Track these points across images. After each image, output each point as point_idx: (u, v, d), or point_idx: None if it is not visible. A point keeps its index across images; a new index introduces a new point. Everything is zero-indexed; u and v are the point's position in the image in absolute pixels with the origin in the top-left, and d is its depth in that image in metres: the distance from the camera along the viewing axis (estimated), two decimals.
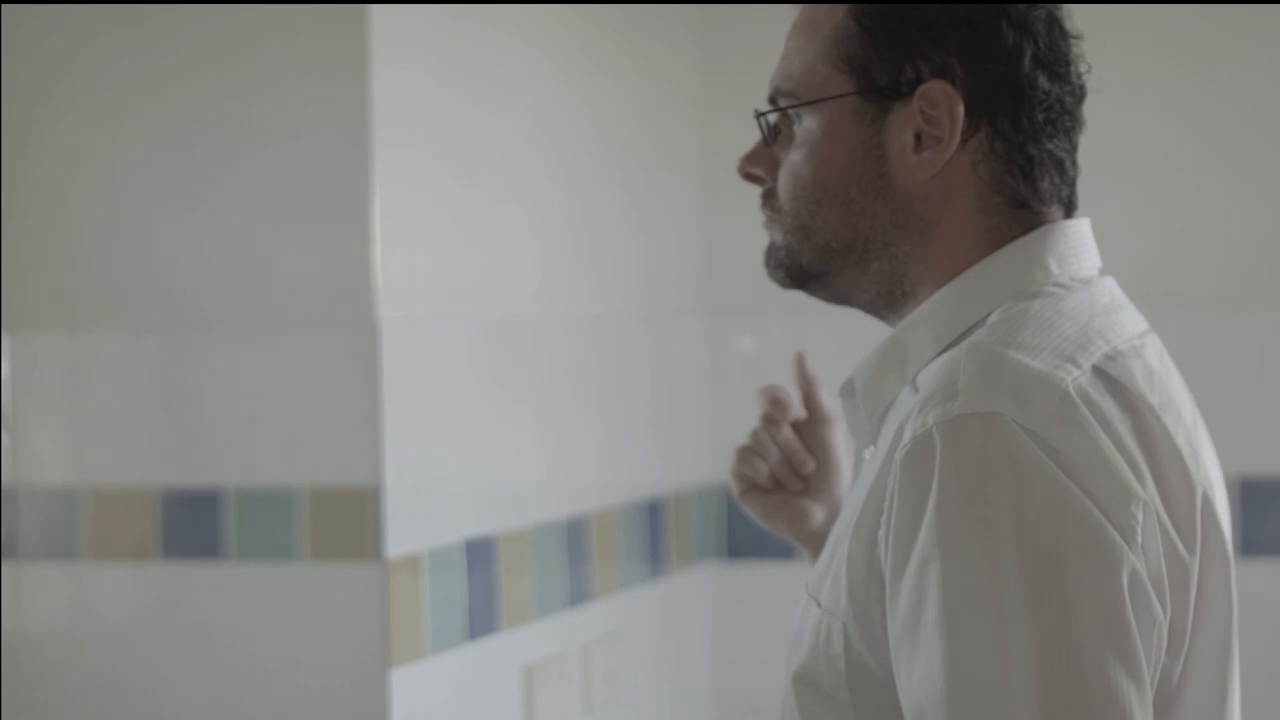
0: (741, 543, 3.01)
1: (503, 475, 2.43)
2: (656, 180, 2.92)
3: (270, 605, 2.23)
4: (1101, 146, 2.91)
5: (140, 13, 2.25)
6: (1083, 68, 1.46)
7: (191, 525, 2.25)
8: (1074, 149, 1.46)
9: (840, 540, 1.40)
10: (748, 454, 1.76)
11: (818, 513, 1.75)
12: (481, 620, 2.35)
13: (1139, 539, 1.28)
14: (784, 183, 1.48)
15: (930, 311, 1.43)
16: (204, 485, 2.25)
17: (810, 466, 1.74)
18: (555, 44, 2.62)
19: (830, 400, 1.74)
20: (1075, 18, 1.47)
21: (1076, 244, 1.45)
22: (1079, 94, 1.46)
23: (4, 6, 2.27)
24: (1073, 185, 1.46)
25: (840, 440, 1.76)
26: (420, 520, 2.23)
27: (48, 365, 2.34)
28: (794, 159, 1.47)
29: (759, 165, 1.52)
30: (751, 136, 2.73)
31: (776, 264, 1.51)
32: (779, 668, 3.17)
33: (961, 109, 1.41)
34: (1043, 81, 1.42)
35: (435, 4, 2.31)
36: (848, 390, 1.49)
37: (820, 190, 1.45)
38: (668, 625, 2.90)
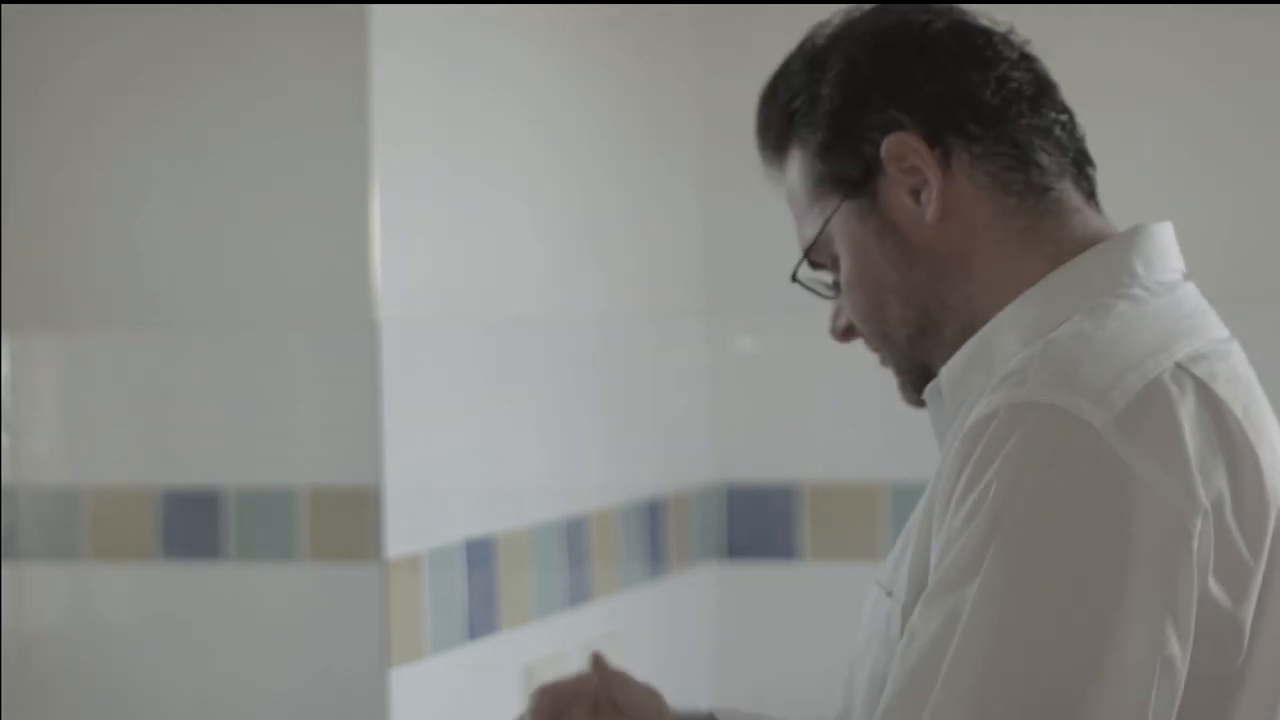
0: (741, 543, 3.01)
1: (503, 475, 2.43)
2: (657, 180, 2.92)
3: (270, 605, 2.23)
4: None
5: (140, 13, 2.25)
6: (1016, 42, 1.46)
7: (191, 525, 2.25)
8: (1060, 111, 1.46)
9: (912, 531, 1.41)
10: None
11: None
12: (481, 620, 2.35)
13: (1194, 549, 1.27)
14: (854, 317, 1.51)
15: (1017, 313, 1.42)
16: (204, 485, 2.25)
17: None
18: (555, 44, 2.62)
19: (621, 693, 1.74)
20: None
21: (1162, 247, 1.44)
22: (1025, 64, 1.46)
23: (4, 6, 2.27)
24: (1078, 149, 1.46)
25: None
26: (420, 520, 2.23)
27: (48, 365, 2.34)
28: (845, 291, 1.50)
29: (843, 318, 1.53)
30: (749, 137, 2.72)
31: (904, 388, 1.53)
32: (780, 667, 3.17)
33: (924, 143, 1.42)
34: (974, 75, 1.43)
35: (435, 4, 2.31)
36: (934, 393, 1.48)
37: (872, 296, 1.48)
38: (668, 625, 2.90)
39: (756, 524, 3.00)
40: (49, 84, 2.30)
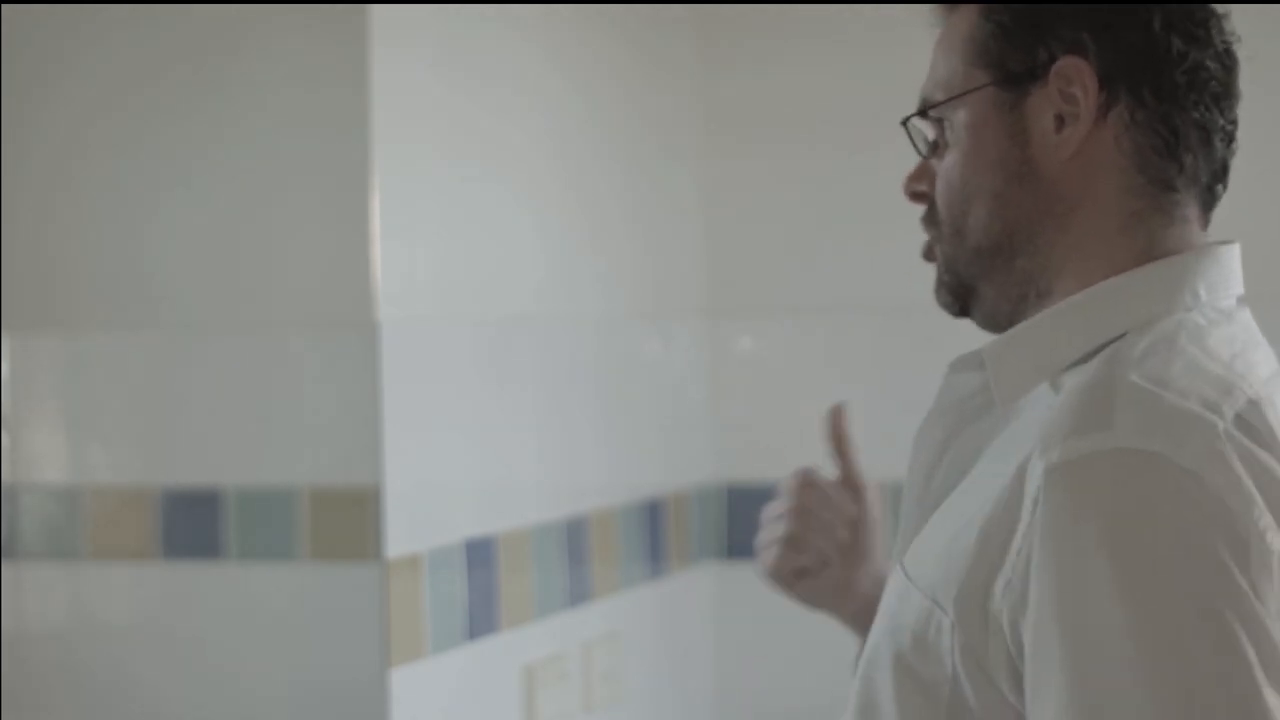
0: (741, 543, 3.01)
1: (503, 475, 2.43)
2: (657, 180, 2.92)
3: (270, 605, 2.23)
4: None
5: (141, 13, 2.25)
6: (1223, 33, 1.43)
7: (191, 525, 2.25)
8: (1230, 122, 1.43)
9: (955, 527, 1.37)
10: (792, 546, 1.72)
11: (864, 584, 1.73)
12: (481, 620, 2.35)
13: (1275, 589, 1.26)
14: (939, 191, 1.47)
15: (1072, 311, 1.41)
16: (204, 485, 2.25)
17: (846, 540, 1.72)
18: (555, 44, 2.62)
19: (861, 462, 1.73)
20: None
21: (1227, 271, 1.43)
22: (1225, 60, 1.43)
23: (4, 6, 2.28)
24: (1222, 165, 1.44)
25: (876, 501, 1.74)
26: (420, 520, 2.23)
27: (48, 365, 2.34)
28: (946, 164, 1.47)
29: (922, 181, 1.50)
30: (749, 137, 2.73)
31: (939, 285, 1.49)
32: (779, 667, 3.16)
33: (1095, 81, 1.40)
34: (1177, 44, 1.40)
35: (435, 4, 2.31)
36: (965, 364, 1.46)
37: (970, 187, 1.45)
38: (668, 625, 2.90)
39: (756, 524, 3.00)
40: (49, 84, 2.30)
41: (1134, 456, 1.26)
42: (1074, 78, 1.40)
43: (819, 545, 1.72)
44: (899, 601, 1.41)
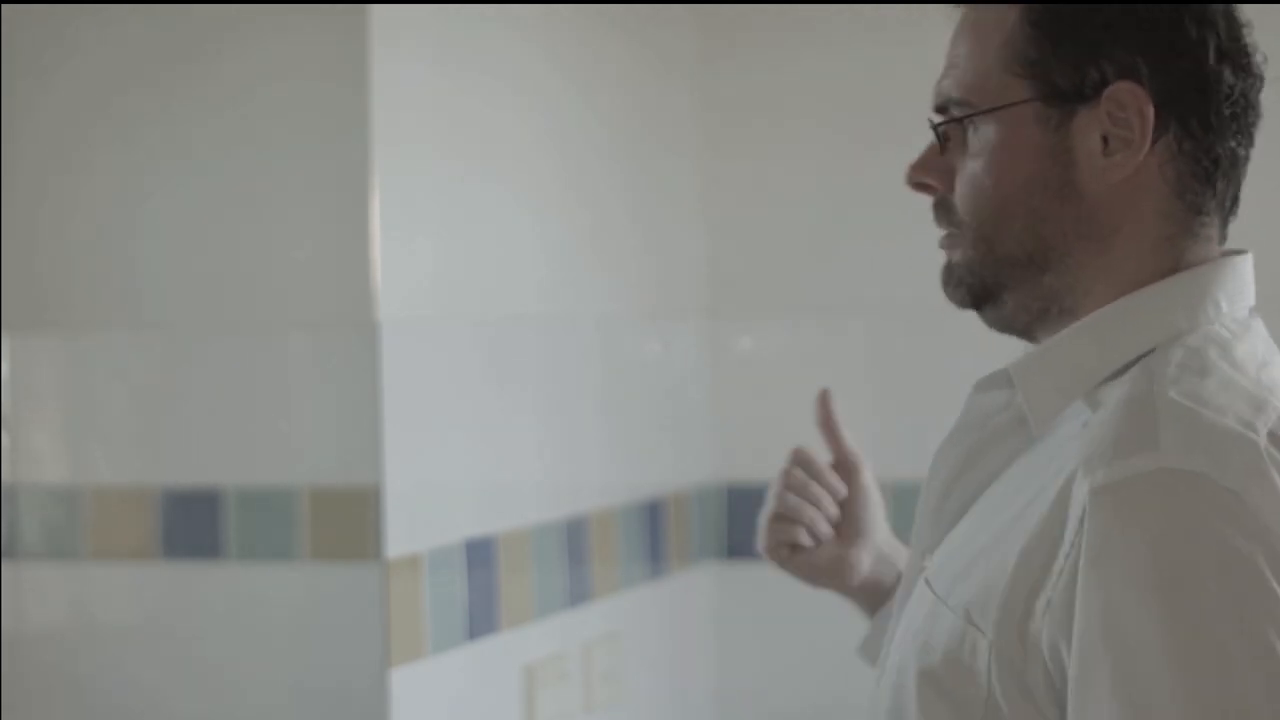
0: (741, 543, 3.01)
1: (503, 475, 2.43)
2: (658, 181, 2.92)
3: (270, 605, 2.23)
4: None
5: (140, 12, 2.25)
6: (1259, 57, 1.42)
7: (191, 525, 2.25)
8: (1253, 143, 1.42)
9: (988, 545, 1.37)
10: (780, 521, 1.72)
11: (864, 561, 1.72)
12: (481, 620, 2.35)
13: None
14: (964, 194, 1.43)
15: (1098, 328, 1.39)
16: (204, 485, 2.25)
17: (836, 515, 1.72)
18: (556, 43, 2.62)
19: (854, 441, 1.73)
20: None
21: (1243, 281, 1.43)
22: (1259, 85, 1.42)
23: (4, 6, 2.28)
24: (1239, 186, 1.43)
25: (871, 480, 1.74)
26: (420, 520, 2.23)
27: (48, 365, 2.34)
28: (973, 168, 1.42)
29: (930, 174, 1.45)
30: (749, 137, 2.72)
31: (957, 283, 1.45)
32: (780, 667, 3.15)
33: (1152, 110, 1.37)
34: (1228, 75, 1.38)
35: (435, 4, 2.31)
36: (992, 383, 1.44)
37: (1004, 200, 1.41)
38: (668, 625, 2.90)
39: (756, 524, 3.00)
40: (49, 84, 2.30)
41: (1178, 477, 1.26)
42: (1129, 103, 1.37)
43: (809, 520, 1.72)
44: (927, 620, 1.40)
